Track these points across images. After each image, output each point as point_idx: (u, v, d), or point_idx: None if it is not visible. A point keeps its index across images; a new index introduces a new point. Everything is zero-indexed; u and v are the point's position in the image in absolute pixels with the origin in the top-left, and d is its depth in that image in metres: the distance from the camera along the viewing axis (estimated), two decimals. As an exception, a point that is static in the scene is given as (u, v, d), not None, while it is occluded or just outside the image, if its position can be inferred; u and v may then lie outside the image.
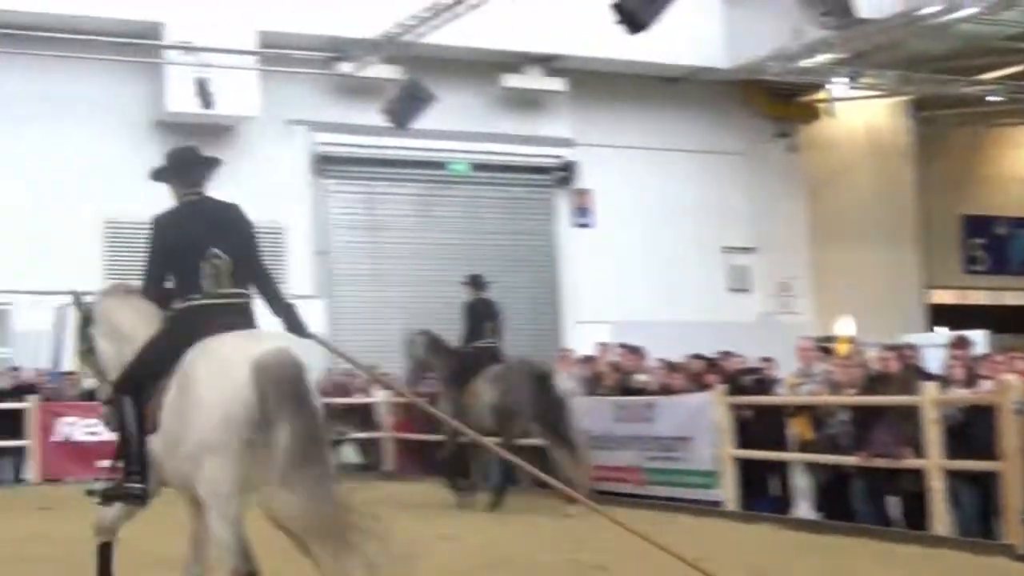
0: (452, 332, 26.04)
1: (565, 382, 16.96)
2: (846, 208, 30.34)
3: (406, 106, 23.77)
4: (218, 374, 7.01)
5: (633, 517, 14.75)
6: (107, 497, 7.99)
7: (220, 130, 25.32)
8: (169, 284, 7.84)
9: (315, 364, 7.67)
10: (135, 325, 8.02)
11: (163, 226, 7.83)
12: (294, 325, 7.99)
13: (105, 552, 8.35)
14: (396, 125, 23.91)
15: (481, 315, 17.15)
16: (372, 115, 24.58)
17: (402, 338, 18.45)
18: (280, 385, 6.81)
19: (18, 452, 20.86)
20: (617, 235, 28.02)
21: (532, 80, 27.42)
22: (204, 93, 23.35)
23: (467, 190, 27.68)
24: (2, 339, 24.19)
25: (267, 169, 25.68)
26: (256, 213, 23.05)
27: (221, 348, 7.19)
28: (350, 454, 22.23)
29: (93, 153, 24.50)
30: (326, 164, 26.54)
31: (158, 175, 8.10)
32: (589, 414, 17.22)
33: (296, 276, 25.64)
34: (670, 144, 28.88)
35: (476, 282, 17.54)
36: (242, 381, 6.89)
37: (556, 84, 27.50)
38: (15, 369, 22.18)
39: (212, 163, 8.24)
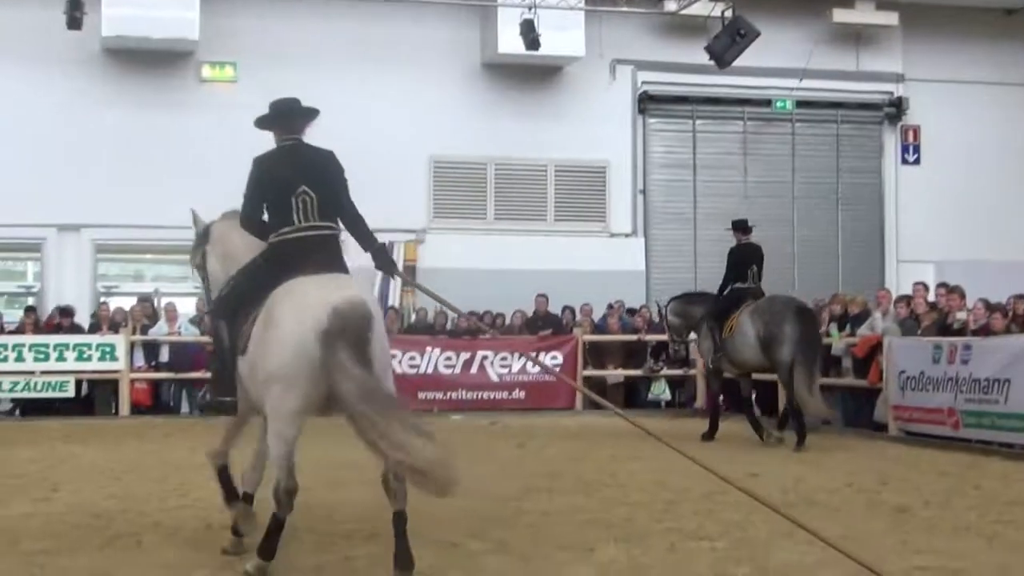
0: (774, 268, 26.32)
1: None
2: None
3: (729, 44, 23.54)
4: (296, 317, 7.61)
5: (944, 459, 14.69)
6: (207, 408, 9.05)
7: (547, 71, 25.77)
8: (265, 217, 8.42)
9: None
10: (242, 251, 8.71)
11: (261, 166, 8.39)
12: (383, 263, 8.63)
13: (223, 475, 9.05)
14: (718, 63, 23.73)
15: (746, 259, 17.49)
16: (697, 53, 24.45)
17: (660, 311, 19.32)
18: (346, 334, 7.37)
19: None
20: (945, 173, 27.23)
21: (863, 14, 26.83)
22: (530, 34, 23.70)
23: (792, 128, 27.28)
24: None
25: (591, 109, 26.03)
26: (579, 152, 23.93)
27: (304, 291, 7.75)
28: (662, 390, 22.44)
29: (422, 94, 25.22)
30: (650, 103, 26.63)
31: (261, 122, 8.63)
32: (905, 354, 16.94)
33: (617, 214, 26.00)
34: (1007, 78, 27.77)
35: (742, 227, 17.80)
36: (315, 327, 7.45)
37: (888, 18, 26.82)
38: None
39: (310, 113, 8.64)
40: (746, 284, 17.30)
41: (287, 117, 8.56)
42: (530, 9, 23.84)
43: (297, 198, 8.21)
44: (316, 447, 13.82)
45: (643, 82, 26.64)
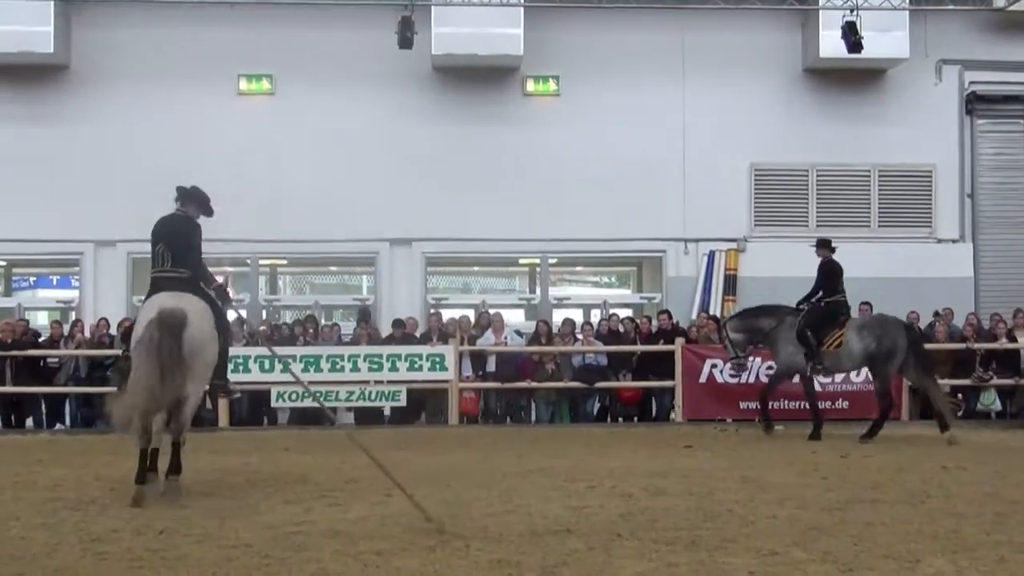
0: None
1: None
2: None
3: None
4: (144, 315, 11.82)
5: None
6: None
7: (869, 74, 25.45)
8: None
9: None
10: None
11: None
12: (221, 297, 12.48)
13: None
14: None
15: (837, 273, 18.97)
16: (1026, 50, 23.79)
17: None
18: (162, 327, 11.31)
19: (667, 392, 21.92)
20: None
21: None
22: (853, 36, 23.41)
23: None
24: (656, 284, 25.48)
25: (916, 111, 25.58)
26: (904, 156, 23.57)
27: (152, 302, 11.93)
28: (992, 400, 21.81)
29: (742, 101, 25.24)
30: (978, 103, 25.91)
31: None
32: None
33: (943, 218, 25.46)
34: None
35: (828, 244, 19.34)
36: (149, 321, 11.50)
37: None
38: (665, 312, 23.15)
39: (189, 196, 12.55)
40: (841, 296, 18.93)
41: (182, 198, 12.53)
42: (852, 11, 23.53)
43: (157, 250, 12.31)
44: (634, 455, 14.04)
45: (970, 82, 25.95)
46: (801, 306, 18.92)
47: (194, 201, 12.44)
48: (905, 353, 18.37)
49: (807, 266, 23.82)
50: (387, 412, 21.33)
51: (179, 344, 11.28)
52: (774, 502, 11.52)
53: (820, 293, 18.86)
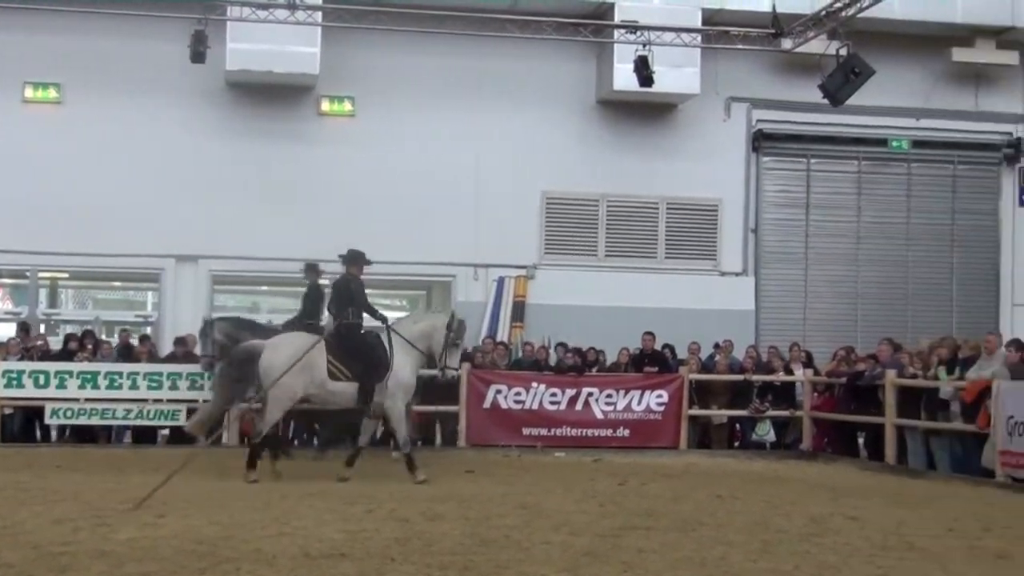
0: (886, 310, 26.10)
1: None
2: None
3: (843, 82, 23.40)
4: None
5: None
6: None
7: (661, 108, 25.86)
8: None
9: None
10: None
11: None
12: None
13: None
14: (832, 101, 23.60)
15: (321, 297, 18.71)
16: (812, 91, 24.25)
17: None
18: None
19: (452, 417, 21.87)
20: (1065, 216, 26.80)
21: (983, 54, 26.52)
22: (644, 71, 23.77)
23: (907, 168, 27.06)
24: (445, 308, 25.38)
25: (705, 146, 26.08)
26: (692, 189, 24.04)
27: None
28: (766, 431, 22.35)
29: (536, 130, 25.42)
30: (764, 141, 26.54)
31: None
32: (1015, 399, 16.75)
33: (728, 252, 25.99)
34: None
35: (315, 268, 19.50)
36: None
37: (1008, 57, 26.51)
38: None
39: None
40: (317, 321, 18.62)
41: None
42: (645, 46, 23.91)
43: None
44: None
45: (758, 120, 26.58)
46: (278, 326, 18.87)
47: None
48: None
49: (596, 294, 24.34)
50: (166, 432, 20.96)
51: None
52: (550, 528, 11.61)
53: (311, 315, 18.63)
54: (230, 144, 24.52)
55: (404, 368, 16.21)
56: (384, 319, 16.55)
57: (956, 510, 13.95)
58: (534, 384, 20.93)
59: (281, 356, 15.85)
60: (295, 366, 15.71)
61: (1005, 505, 14.71)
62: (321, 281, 19.04)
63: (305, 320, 18.49)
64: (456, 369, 17.27)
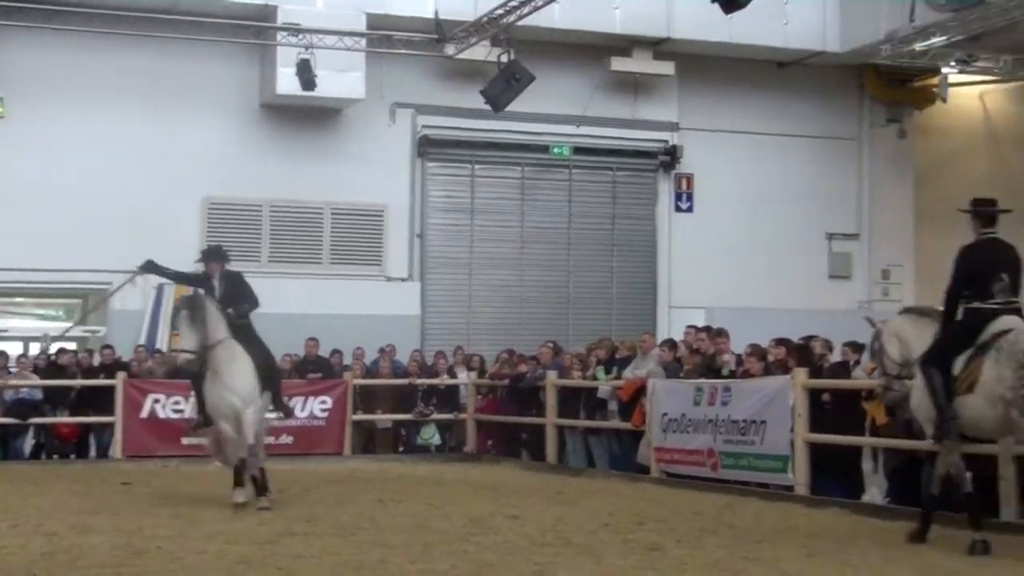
0: (549, 313, 26.54)
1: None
2: (955, 195, 29.15)
3: (504, 88, 23.70)
4: None
5: (702, 500, 14.99)
6: None
7: (326, 113, 25.62)
8: None
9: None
10: None
11: None
12: None
13: None
14: (493, 107, 23.88)
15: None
16: (476, 98, 24.46)
17: None
18: None
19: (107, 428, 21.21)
20: (718, 220, 27.68)
21: (640, 63, 27.16)
22: (306, 74, 23.52)
23: (568, 174, 27.50)
24: (101, 318, 24.59)
25: (370, 152, 25.90)
26: (357, 195, 23.80)
27: None
28: (431, 435, 22.50)
29: (198, 133, 24.81)
30: (429, 147, 26.55)
31: None
32: (668, 397, 17.25)
33: (393, 258, 25.96)
34: (778, 129, 28.46)
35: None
36: None
37: (664, 68, 27.23)
38: (108, 347, 22.44)
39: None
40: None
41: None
42: (307, 49, 23.66)
43: None
44: (66, 493, 13.51)
45: (423, 126, 26.55)
46: None
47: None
48: None
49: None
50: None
51: None
52: (204, 537, 11.40)
53: None
54: None
55: None
56: None
57: (612, 506, 14.29)
58: (193, 393, 20.43)
59: None
60: None
61: (659, 499, 15.13)
62: None
63: None
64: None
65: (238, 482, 14.22)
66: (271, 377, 14.83)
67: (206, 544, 10.96)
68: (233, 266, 24.25)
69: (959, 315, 11.28)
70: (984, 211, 11.41)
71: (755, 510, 13.97)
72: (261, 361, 14.54)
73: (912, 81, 29.19)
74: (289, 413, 15.94)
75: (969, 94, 30.12)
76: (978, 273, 11.16)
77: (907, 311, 12.64)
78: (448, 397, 22.72)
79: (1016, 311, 11.04)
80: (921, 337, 11.64)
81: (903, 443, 13.40)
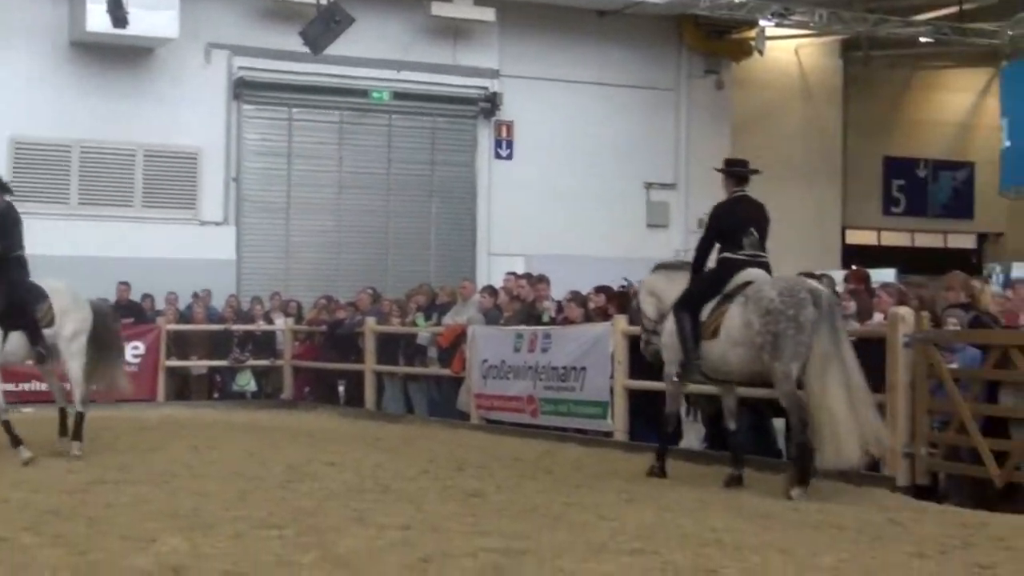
0: (367, 259, 26.30)
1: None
2: (771, 147, 30.07)
3: (324, 30, 23.33)
4: None
5: (522, 446, 15.01)
6: None
7: (138, 52, 24.87)
8: None
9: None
10: None
11: None
12: None
13: None
14: (312, 49, 23.50)
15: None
16: (295, 40, 24.07)
17: None
18: None
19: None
20: (538, 168, 27.64)
21: (460, 9, 26.93)
22: (117, 11, 22.80)
23: (388, 119, 27.20)
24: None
25: (184, 93, 25.20)
26: (171, 137, 23.05)
27: None
28: (247, 381, 22.25)
29: (4, 71, 23.89)
30: (245, 89, 25.99)
31: None
32: (488, 343, 17.22)
33: (208, 201, 25.38)
34: (598, 78, 28.53)
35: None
36: None
37: (485, 14, 27.04)
38: None
39: None
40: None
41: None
42: (121, -14, 22.96)
43: None
44: None
45: (239, 67, 25.95)
46: None
47: None
48: None
49: (67, 244, 23.04)
50: None
51: None
52: (8, 486, 11.00)
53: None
54: None
55: None
56: None
57: (432, 452, 14.26)
58: (-1, 334, 19.74)
59: None
60: None
61: (479, 446, 15.11)
62: None
63: None
64: None
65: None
66: (14, 316, 13.63)
67: (10, 492, 10.60)
68: (39, 207, 23.90)
69: (711, 265, 12.09)
70: (736, 171, 12.41)
71: (574, 456, 14.05)
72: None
73: (730, 33, 29.58)
74: (44, 357, 14.04)
75: (785, 47, 30.65)
76: (729, 228, 11.94)
77: (660, 267, 13.27)
78: (264, 343, 22.49)
79: (761, 264, 11.81)
80: (675, 289, 12.32)
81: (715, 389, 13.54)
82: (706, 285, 11.89)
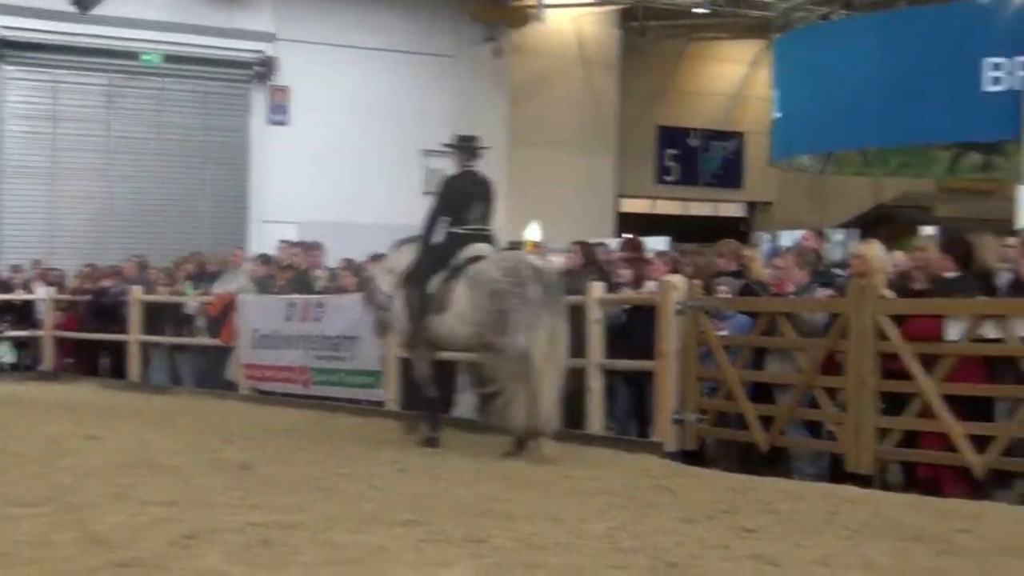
0: (136, 226, 25.69)
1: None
2: (548, 115, 30.36)
3: (91, -12, 22.65)
4: None
5: (293, 416, 14.81)
6: None
7: None
8: None
9: None
10: None
11: None
12: None
13: None
14: (79, 8, 22.78)
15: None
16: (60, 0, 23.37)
17: None
18: None
19: None
20: (313, 134, 27.23)
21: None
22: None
23: (159, 82, 26.53)
24: None
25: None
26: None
27: None
28: (4, 352, 21.61)
29: None
30: (8, 49, 25.09)
31: None
32: (259, 312, 16.94)
33: (-32, 166, 24.47)
34: (375, 43, 28.22)
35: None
36: None
37: (261, -24, 26.63)
38: None
39: None
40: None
41: None
42: None
43: None
44: None
45: (2, 27, 25.05)
46: None
47: None
48: None
49: None
50: None
51: None
52: None
53: None
54: None
55: None
56: None
57: (199, 424, 13.97)
58: None
59: None
60: None
61: (248, 417, 14.87)
62: None
63: None
64: None
65: None
66: None
67: None
68: None
69: (439, 238, 12.36)
70: (465, 147, 12.75)
71: (347, 426, 13.93)
72: None
73: (510, 0, 29.53)
74: None
75: (564, 16, 30.80)
76: (457, 202, 12.38)
77: (400, 243, 13.41)
78: (24, 313, 21.80)
79: (486, 237, 12.30)
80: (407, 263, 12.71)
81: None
82: (434, 258, 12.22)
